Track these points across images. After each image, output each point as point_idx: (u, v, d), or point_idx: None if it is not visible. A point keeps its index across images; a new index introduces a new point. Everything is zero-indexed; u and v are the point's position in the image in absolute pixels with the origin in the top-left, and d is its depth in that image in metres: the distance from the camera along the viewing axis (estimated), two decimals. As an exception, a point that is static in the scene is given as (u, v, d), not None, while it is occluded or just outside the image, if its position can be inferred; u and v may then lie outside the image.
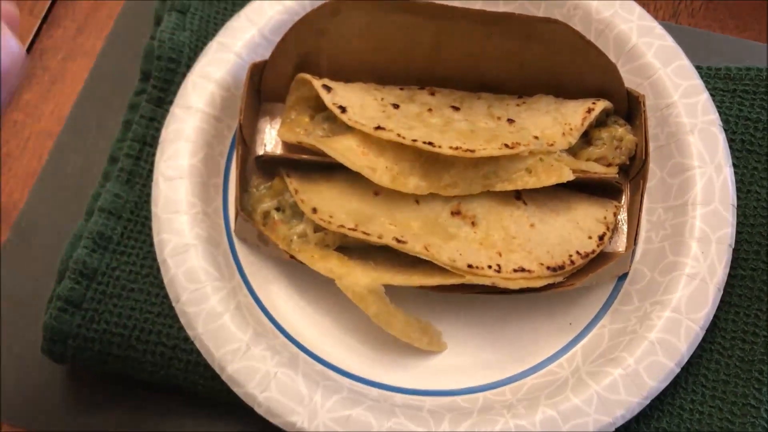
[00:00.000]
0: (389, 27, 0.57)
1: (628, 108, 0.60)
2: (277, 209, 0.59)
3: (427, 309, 0.58)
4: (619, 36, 0.64)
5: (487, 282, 0.53)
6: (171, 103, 0.62)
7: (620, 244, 0.60)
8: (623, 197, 0.60)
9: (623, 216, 0.60)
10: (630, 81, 0.62)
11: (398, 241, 0.53)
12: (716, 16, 0.69)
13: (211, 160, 0.61)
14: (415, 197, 0.56)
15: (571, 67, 0.57)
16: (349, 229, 0.53)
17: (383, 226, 0.54)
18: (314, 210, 0.54)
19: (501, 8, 0.66)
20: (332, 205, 0.55)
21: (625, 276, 0.59)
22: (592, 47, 0.56)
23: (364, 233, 0.53)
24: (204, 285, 0.56)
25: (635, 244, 0.57)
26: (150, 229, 0.59)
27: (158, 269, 0.57)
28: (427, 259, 0.53)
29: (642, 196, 0.57)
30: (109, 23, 0.71)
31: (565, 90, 0.59)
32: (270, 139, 0.62)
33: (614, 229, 0.58)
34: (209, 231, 0.59)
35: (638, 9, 0.64)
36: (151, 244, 0.58)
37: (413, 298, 0.57)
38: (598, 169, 0.57)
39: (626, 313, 0.57)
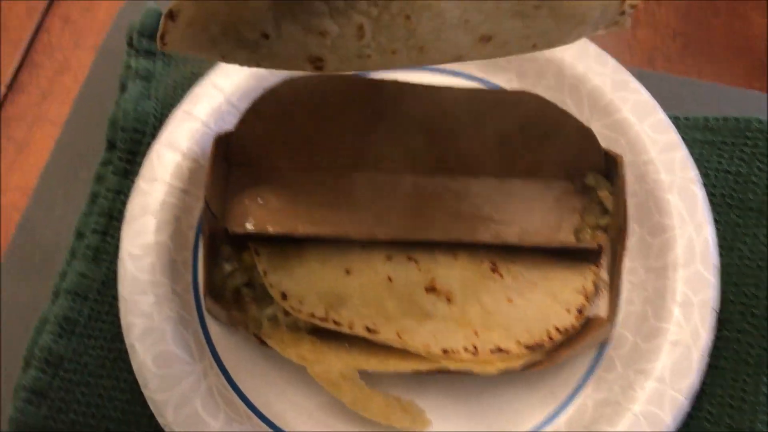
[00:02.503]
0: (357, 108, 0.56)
1: (607, 166, 0.59)
2: (249, 285, 0.57)
3: (407, 383, 0.56)
4: (593, 91, 0.62)
5: (462, 367, 0.51)
6: (137, 174, 0.61)
7: (602, 307, 0.58)
8: (603, 260, 0.59)
9: (604, 276, 0.58)
10: (606, 137, 0.61)
11: (369, 330, 0.51)
12: (693, 60, 0.68)
13: (179, 234, 0.59)
14: (387, 274, 0.54)
15: (547, 135, 0.56)
16: (320, 318, 0.52)
17: (356, 309, 0.52)
18: (283, 295, 0.53)
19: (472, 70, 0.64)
20: (303, 286, 0.53)
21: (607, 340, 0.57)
22: (565, 114, 0.54)
23: (335, 322, 0.52)
24: (172, 369, 0.54)
25: (615, 312, 0.55)
26: (118, 309, 0.57)
27: (126, 352, 0.55)
28: (400, 347, 0.51)
29: (620, 264, 0.55)
30: (75, 88, 0.69)
31: (542, 159, 0.58)
32: (240, 209, 0.60)
33: (594, 295, 0.57)
34: (178, 310, 0.57)
35: (612, 61, 0.62)
36: (119, 326, 0.56)
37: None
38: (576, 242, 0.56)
39: (610, 382, 0.56)
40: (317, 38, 0.40)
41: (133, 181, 0.61)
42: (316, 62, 0.41)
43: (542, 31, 0.42)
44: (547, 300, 0.54)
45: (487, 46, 0.42)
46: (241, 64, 0.44)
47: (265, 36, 0.40)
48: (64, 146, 0.67)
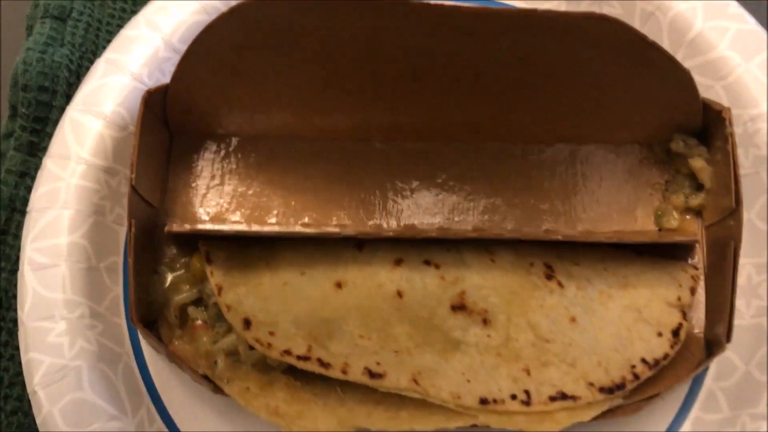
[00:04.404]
0: (341, 33, 0.38)
1: (704, 124, 0.42)
2: (198, 302, 0.41)
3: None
4: (676, 20, 0.45)
5: (510, 426, 0.35)
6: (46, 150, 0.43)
7: (693, 320, 0.41)
8: (698, 255, 0.42)
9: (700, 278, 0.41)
10: (696, 83, 0.43)
11: (372, 374, 0.35)
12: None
13: (103, 232, 0.43)
14: (396, 287, 0.37)
15: (622, 77, 0.39)
16: (299, 357, 0.35)
17: (351, 341, 0.36)
18: (246, 322, 0.36)
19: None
20: (275, 308, 0.37)
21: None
22: (654, 49, 0.37)
23: (323, 363, 0.35)
24: (92, 428, 0.38)
25: (730, 334, 0.38)
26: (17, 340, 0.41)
27: (29, 402, 0.39)
28: (419, 398, 0.35)
29: (736, 263, 0.38)
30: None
31: (612, 110, 0.41)
32: (186, 195, 0.43)
33: (691, 308, 0.40)
34: (101, 340, 0.41)
35: (702, -21, 0.45)
36: (20, 364, 0.40)
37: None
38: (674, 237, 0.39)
39: (714, 426, 0.40)
40: None
41: (41, 160, 0.44)
42: None
43: None
44: (627, 317, 0.38)
45: None
46: None
47: None
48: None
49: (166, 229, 0.40)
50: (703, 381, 0.41)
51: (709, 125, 0.41)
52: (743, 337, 0.41)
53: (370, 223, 0.42)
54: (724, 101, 0.43)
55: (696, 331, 0.41)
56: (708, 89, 0.44)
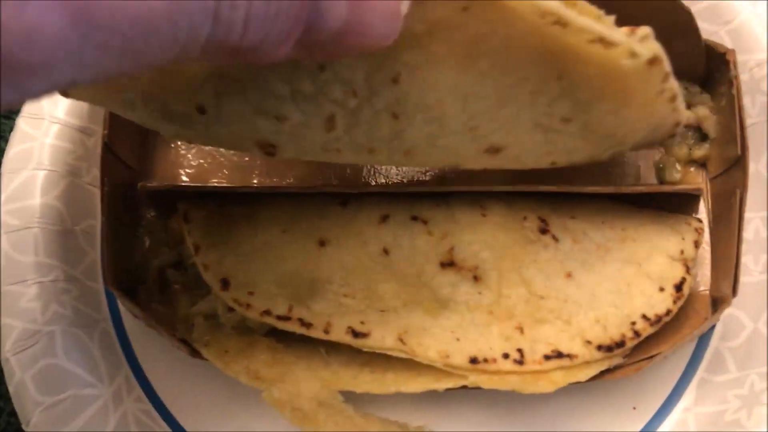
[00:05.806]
0: None
1: (706, 69, 0.39)
2: (178, 266, 0.39)
3: (416, 404, 0.38)
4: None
5: (502, 386, 0.33)
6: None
7: (699, 277, 0.39)
8: (702, 206, 0.40)
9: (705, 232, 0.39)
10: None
11: (356, 333, 0.33)
12: None
13: (78, 194, 0.41)
14: (382, 244, 0.35)
15: (617, 18, 0.36)
16: (279, 317, 0.34)
17: (335, 300, 0.34)
18: (224, 283, 0.35)
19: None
20: (254, 268, 0.35)
21: (711, 327, 0.39)
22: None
23: (304, 323, 0.33)
24: (66, 395, 0.36)
25: (736, 288, 0.36)
26: (-7, 307, 0.39)
27: (3, 372, 0.38)
28: (406, 357, 0.33)
29: (741, 207, 0.36)
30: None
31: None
32: (165, 154, 0.41)
33: (695, 262, 0.38)
34: (76, 306, 0.39)
35: None
36: (-6, 332, 0.38)
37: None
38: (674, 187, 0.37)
39: (721, 388, 0.38)
40: (271, 122, 0.29)
41: (14, 121, 0.42)
42: (267, 148, 0.31)
43: (567, 150, 0.32)
44: (627, 272, 0.36)
45: (494, 157, 0.32)
46: (168, 136, 0.35)
47: (201, 110, 0.30)
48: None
49: (139, 185, 0.38)
50: (709, 341, 0.39)
51: (713, 70, 0.39)
52: (751, 294, 0.39)
53: (358, 183, 0.41)
54: (728, 46, 0.41)
55: (701, 289, 0.39)
56: (711, 35, 0.42)
